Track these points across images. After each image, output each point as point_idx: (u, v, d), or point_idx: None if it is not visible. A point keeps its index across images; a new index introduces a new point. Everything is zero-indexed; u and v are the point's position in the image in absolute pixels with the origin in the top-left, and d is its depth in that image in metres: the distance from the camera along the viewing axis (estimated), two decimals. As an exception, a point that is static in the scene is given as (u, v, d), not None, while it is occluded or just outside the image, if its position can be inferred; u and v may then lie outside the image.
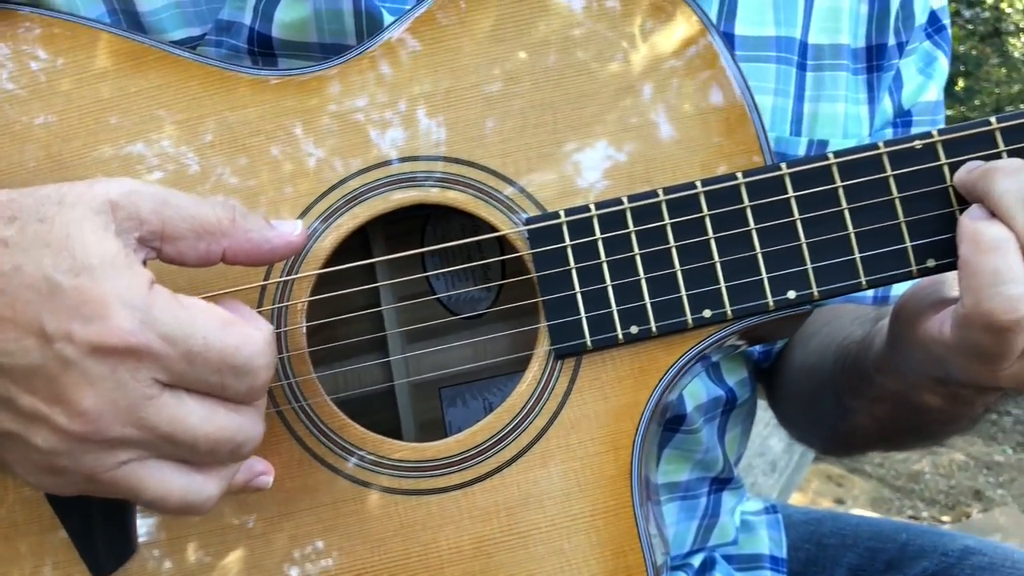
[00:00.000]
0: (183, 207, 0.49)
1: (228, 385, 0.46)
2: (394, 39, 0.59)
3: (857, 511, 3.13)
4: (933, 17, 0.82)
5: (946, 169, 0.53)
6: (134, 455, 0.46)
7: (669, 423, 0.75)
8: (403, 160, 0.59)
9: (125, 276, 0.46)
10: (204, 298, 0.48)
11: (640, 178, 0.58)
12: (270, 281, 0.58)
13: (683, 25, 0.58)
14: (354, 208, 0.58)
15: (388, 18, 0.64)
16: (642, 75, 0.58)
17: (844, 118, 0.77)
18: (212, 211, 0.49)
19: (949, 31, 0.84)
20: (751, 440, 1.63)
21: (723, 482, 0.85)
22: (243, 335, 0.46)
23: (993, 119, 0.53)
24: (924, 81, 0.82)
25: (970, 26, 7.29)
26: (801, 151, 0.76)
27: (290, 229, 0.51)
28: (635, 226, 0.56)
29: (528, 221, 0.57)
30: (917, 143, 0.54)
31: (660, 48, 0.58)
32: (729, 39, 0.72)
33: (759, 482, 1.51)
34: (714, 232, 0.55)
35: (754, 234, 0.55)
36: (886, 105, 0.81)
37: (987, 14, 8.13)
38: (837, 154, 0.55)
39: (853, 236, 0.54)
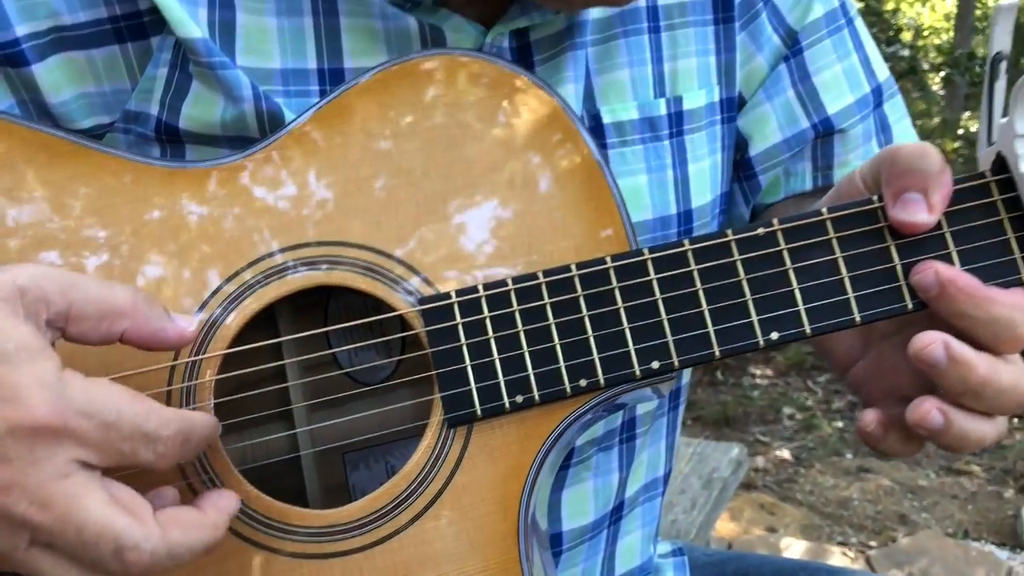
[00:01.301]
0: (89, 290, 0.53)
1: (138, 451, 0.51)
2: (294, 134, 0.65)
3: (789, 539, 3.23)
4: None
5: (785, 254, 0.61)
6: (36, 538, 0.50)
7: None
8: (306, 245, 0.64)
9: (39, 360, 0.50)
10: (113, 379, 0.52)
11: (522, 258, 0.64)
12: (179, 361, 0.62)
13: (555, 120, 0.65)
14: (258, 291, 0.63)
15: (288, 114, 0.70)
16: (518, 165, 0.65)
17: (696, 70, 0.83)
18: (116, 294, 0.54)
19: None
20: (672, 479, 1.70)
21: (617, 510, 0.91)
22: (151, 405, 0.52)
23: (824, 210, 0.61)
24: (808, 1, 0.86)
25: (888, 64, 7.64)
26: (662, 111, 0.81)
27: (185, 324, 0.57)
28: (519, 305, 0.62)
29: (422, 301, 0.63)
30: (760, 230, 0.61)
31: (534, 140, 0.65)
32: (583, 25, 0.77)
33: (679, 520, 1.57)
34: (588, 310, 0.62)
35: (622, 312, 0.62)
36: (775, 40, 0.85)
37: (906, 52, 8.48)
38: (692, 240, 0.62)
39: (706, 312, 0.61)
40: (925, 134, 8.17)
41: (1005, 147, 0.59)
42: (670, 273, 0.61)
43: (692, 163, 0.85)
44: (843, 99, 0.87)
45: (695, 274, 0.61)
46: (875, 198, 0.61)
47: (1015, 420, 4.47)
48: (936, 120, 9.37)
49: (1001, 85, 0.59)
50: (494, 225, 0.64)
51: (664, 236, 0.84)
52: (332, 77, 0.73)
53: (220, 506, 0.56)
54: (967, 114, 9.51)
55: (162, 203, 0.64)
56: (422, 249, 0.64)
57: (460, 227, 0.64)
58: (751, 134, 0.87)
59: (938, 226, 0.60)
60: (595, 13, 0.78)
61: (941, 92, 10.21)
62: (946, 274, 0.58)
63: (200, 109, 0.70)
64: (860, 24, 0.90)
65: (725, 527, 3.19)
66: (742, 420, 4.30)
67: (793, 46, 0.86)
